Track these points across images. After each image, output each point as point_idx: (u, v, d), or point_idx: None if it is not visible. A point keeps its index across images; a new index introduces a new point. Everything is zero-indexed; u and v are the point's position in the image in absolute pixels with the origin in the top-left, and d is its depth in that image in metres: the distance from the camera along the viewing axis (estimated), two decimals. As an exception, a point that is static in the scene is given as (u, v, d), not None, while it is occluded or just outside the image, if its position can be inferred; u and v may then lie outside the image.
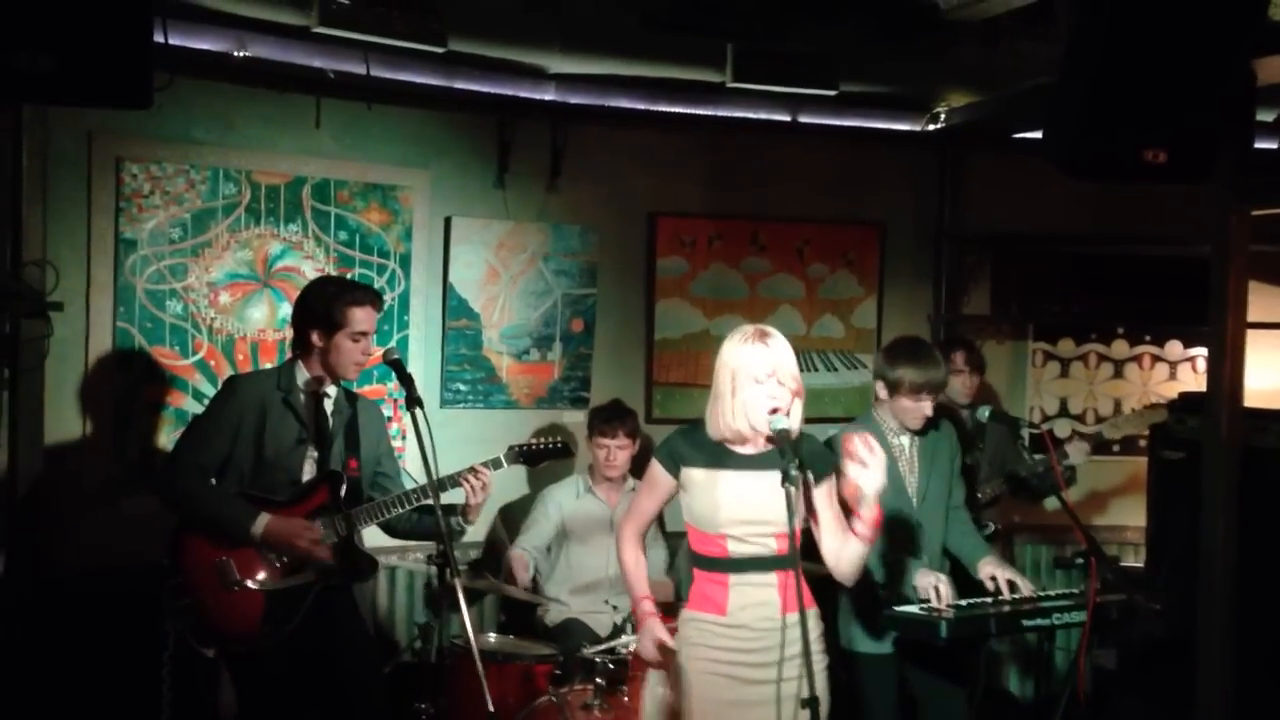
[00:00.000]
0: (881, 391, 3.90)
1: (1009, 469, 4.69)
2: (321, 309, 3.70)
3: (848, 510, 3.18)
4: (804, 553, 3.19)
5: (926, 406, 3.83)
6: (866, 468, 3.01)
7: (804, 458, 3.04)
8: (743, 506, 3.09)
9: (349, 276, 4.69)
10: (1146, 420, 4.38)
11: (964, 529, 4.03)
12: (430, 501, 3.57)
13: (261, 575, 3.60)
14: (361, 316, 3.69)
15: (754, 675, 3.07)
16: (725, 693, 3.09)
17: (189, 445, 3.70)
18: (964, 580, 3.93)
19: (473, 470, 3.77)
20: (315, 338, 3.71)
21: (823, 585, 3.53)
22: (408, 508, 3.75)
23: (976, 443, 4.56)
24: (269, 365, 4.50)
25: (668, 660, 3.21)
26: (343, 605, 3.79)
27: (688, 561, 3.27)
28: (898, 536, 3.87)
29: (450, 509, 3.78)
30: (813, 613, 3.18)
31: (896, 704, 3.92)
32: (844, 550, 3.15)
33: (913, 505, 3.91)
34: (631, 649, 4.00)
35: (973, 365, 4.80)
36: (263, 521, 3.58)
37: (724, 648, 3.10)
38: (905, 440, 3.93)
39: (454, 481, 3.75)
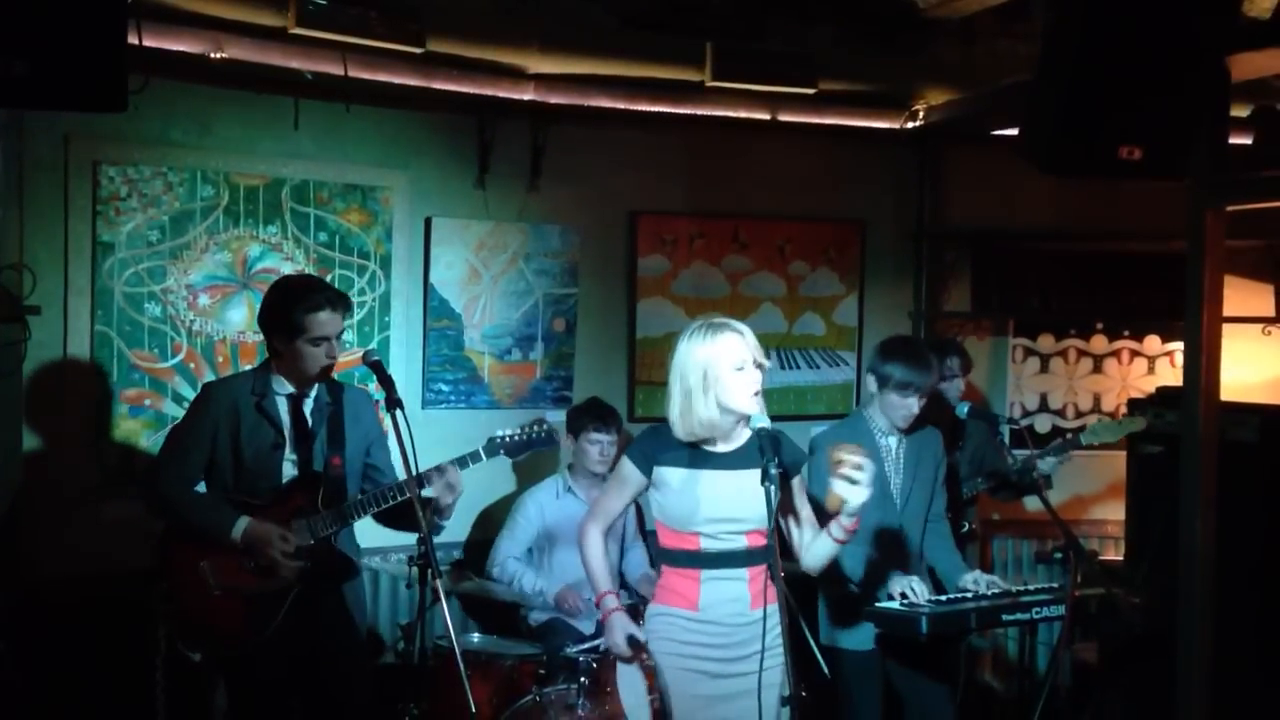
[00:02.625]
0: (871, 385, 3.94)
1: (989, 467, 4.71)
2: (280, 315, 3.63)
3: (819, 511, 3.20)
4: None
5: (913, 405, 3.87)
6: (856, 484, 3.00)
7: (782, 457, 3.05)
8: (719, 505, 3.10)
9: (328, 278, 4.67)
10: (1125, 429, 4.41)
11: (943, 541, 4.06)
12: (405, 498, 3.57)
13: (241, 579, 3.59)
14: (323, 320, 3.60)
15: (725, 670, 3.10)
16: (696, 687, 3.11)
17: (169, 455, 3.68)
18: (940, 589, 3.96)
19: (438, 469, 3.69)
20: (277, 344, 3.65)
21: (804, 582, 3.55)
22: (385, 506, 3.72)
23: (957, 441, 4.58)
24: (247, 368, 4.47)
25: (639, 653, 3.22)
26: (330, 607, 3.77)
27: (656, 556, 3.29)
28: (881, 539, 3.89)
29: (424, 504, 3.76)
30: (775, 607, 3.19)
31: (880, 699, 3.94)
32: (815, 545, 3.18)
33: (895, 507, 3.93)
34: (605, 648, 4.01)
35: (965, 369, 4.84)
36: (241, 525, 3.57)
37: (694, 642, 3.12)
38: (893, 441, 3.96)
39: (423, 480, 3.69)
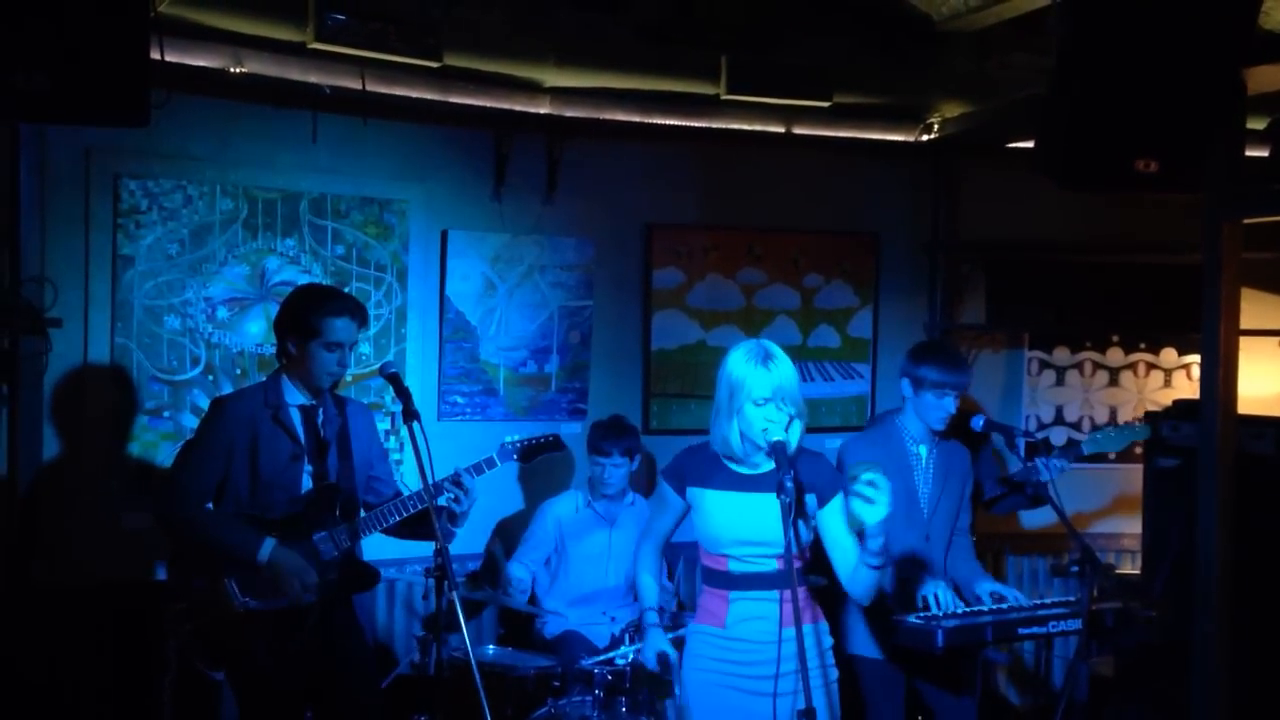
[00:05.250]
0: (906, 389, 3.93)
1: (999, 476, 4.71)
2: (298, 316, 3.65)
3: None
4: (812, 565, 3.21)
5: (950, 405, 3.88)
6: (871, 503, 2.96)
7: (809, 476, 3.05)
8: (743, 527, 3.11)
9: (345, 290, 4.70)
10: (1126, 438, 4.39)
11: (965, 554, 4.06)
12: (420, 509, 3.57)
13: (262, 595, 3.58)
14: (339, 326, 3.62)
15: (751, 687, 3.10)
16: (723, 703, 3.12)
17: (183, 472, 3.68)
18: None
19: (452, 477, 3.72)
20: (291, 345, 3.66)
21: (823, 594, 3.55)
22: (404, 516, 3.74)
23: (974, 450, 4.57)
24: (260, 379, 4.50)
25: (666, 671, 3.23)
26: (342, 618, 3.79)
27: (699, 575, 3.31)
28: (906, 547, 3.88)
29: (438, 512, 3.78)
30: (820, 627, 3.19)
31: (901, 709, 3.93)
32: (856, 574, 3.14)
33: (923, 516, 3.92)
34: (630, 660, 4.02)
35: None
36: (269, 548, 3.56)
37: (722, 659, 3.14)
38: (924, 450, 3.95)
39: (438, 488, 3.70)
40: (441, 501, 3.72)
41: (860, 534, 3.05)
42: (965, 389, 3.98)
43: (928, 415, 3.90)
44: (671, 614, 4.20)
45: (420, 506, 3.70)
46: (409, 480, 4.80)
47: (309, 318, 3.63)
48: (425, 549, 3.70)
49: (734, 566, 3.13)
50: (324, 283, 4.63)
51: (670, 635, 3.42)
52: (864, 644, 3.86)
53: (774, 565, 3.10)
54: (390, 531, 3.85)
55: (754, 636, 3.10)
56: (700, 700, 3.16)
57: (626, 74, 5.04)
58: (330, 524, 3.67)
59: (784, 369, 3.08)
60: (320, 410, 3.74)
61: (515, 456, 4.00)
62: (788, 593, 3.03)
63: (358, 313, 3.71)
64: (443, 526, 3.72)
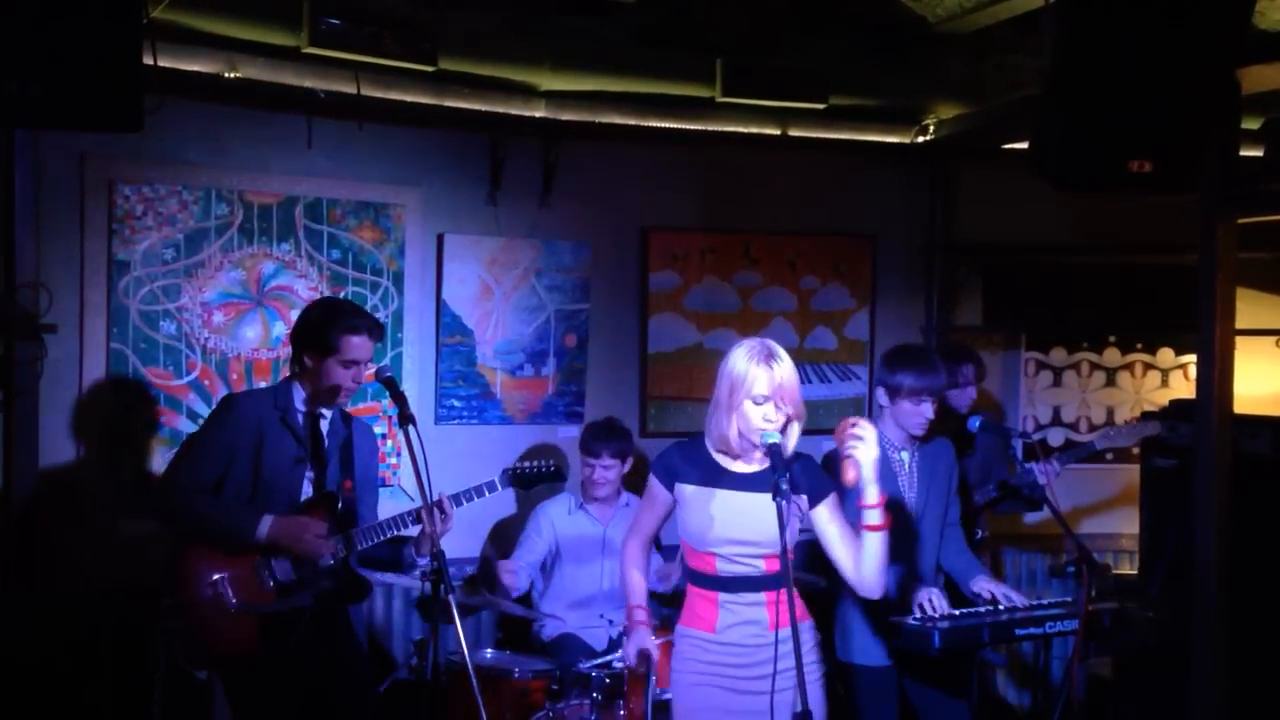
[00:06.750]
0: (882, 398, 3.91)
1: (998, 477, 4.71)
2: (317, 332, 3.69)
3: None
4: (797, 564, 3.20)
5: (927, 409, 3.85)
6: (862, 440, 3.03)
7: (800, 478, 3.05)
8: (733, 526, 3.10)
9: (342, 295, 4.71)
10: (1138, 434, 4.40)
11: (958, 546, 4.05)
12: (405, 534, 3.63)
13: (256, 597, 3.59)
14: (356, 344, 3.67)
15: (744, 687, 3.10)
16: (716, 704, 3.12)
17: (184, 463, 3.70)
18: (956, 597, 3.95)
19: (438, 505, 3.63)
20: (307, 359, 3.70)
21: (820, 598, 3.54)
22: (404, 530, 3.75)
23: (965, 449, 4.58)
24: (264, 384, 4.50)
25: (642, 667, 3.25)
26: (339, 625, 3.79)
27: (683, 575, 3.30)
28: (898, 554, 3.87)
29: (404, 540, 3.80)
30: (806, 625, 3.19)
31: (896, 717, 3.92)
32: (861, 553, 3.11)
33: (912, 521, 3.92)
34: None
35: (980, 377, 4.84)
36: (267, 523, 3.57)
37: (714, 662, 3.13)
38: (905, 455, 3.94)
39: (418, 515, 3.69)
40: (414, 532, 3.73)
41: (854, 487, 3.05)
42: (943, 391, 3.96)
43: (906, 423, 3.87)
44: (663, 617, 4.19)
45: (415, 524, 3.72)
46: (404, 484, 4.81)
47: (327, 334, 3.67)
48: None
49: (722, 568, 3.12)
50: (323, 291, 4.66)
51: (660, 640, 3.42)
52: (860, 652, 3.85)
53: (761, 568, 3.09)
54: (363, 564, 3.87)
55: (745, 640, 3.11)
56: (691, 702, 3.15)
57: (622, 77, 5.04)
58: (329, 532, 3.67)
59: (786, 369, 3.08)
60: (326, 421, 3.78)
61: (514, 484, 4.06)
62: (774, 594, 3.04)
63: (375, 330, 3.76)
64: (408, 555, 3.74)
